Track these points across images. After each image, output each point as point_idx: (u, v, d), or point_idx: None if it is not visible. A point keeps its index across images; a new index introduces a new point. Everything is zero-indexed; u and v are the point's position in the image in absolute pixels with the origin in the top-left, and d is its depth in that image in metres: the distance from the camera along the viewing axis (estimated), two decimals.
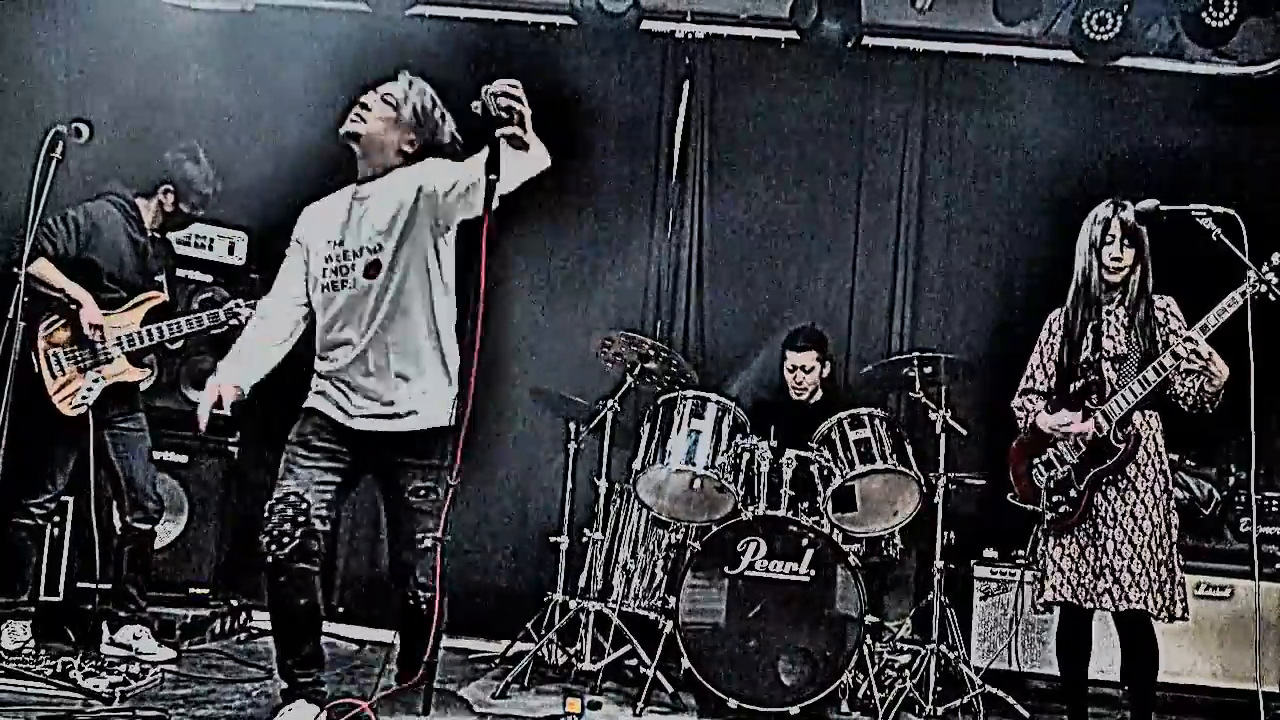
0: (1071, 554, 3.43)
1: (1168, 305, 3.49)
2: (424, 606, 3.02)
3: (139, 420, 4.25)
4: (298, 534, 2.93)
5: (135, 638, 4.13)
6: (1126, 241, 3.44)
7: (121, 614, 4.18)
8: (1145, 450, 3.40)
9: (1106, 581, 3.33)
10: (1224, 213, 3.15)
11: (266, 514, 2.96)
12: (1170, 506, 3.41)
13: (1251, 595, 4.12)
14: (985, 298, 5.62)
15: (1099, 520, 3.40)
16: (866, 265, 5.69)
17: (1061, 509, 3.47)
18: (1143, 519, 3.35)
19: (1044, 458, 3.54)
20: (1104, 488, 3.41)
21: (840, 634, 3.93)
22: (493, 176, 2.65)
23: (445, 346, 3.14)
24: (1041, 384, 3.61)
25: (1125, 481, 3.39)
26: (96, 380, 4.00)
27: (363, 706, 2.87)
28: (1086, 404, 3.45)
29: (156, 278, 4.24)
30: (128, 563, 4.20)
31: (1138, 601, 3.29)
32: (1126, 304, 3.47)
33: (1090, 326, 3.49)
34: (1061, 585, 3.42)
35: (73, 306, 3.92)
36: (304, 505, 2.96)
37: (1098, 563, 3.37)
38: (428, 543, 2.99)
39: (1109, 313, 3.50)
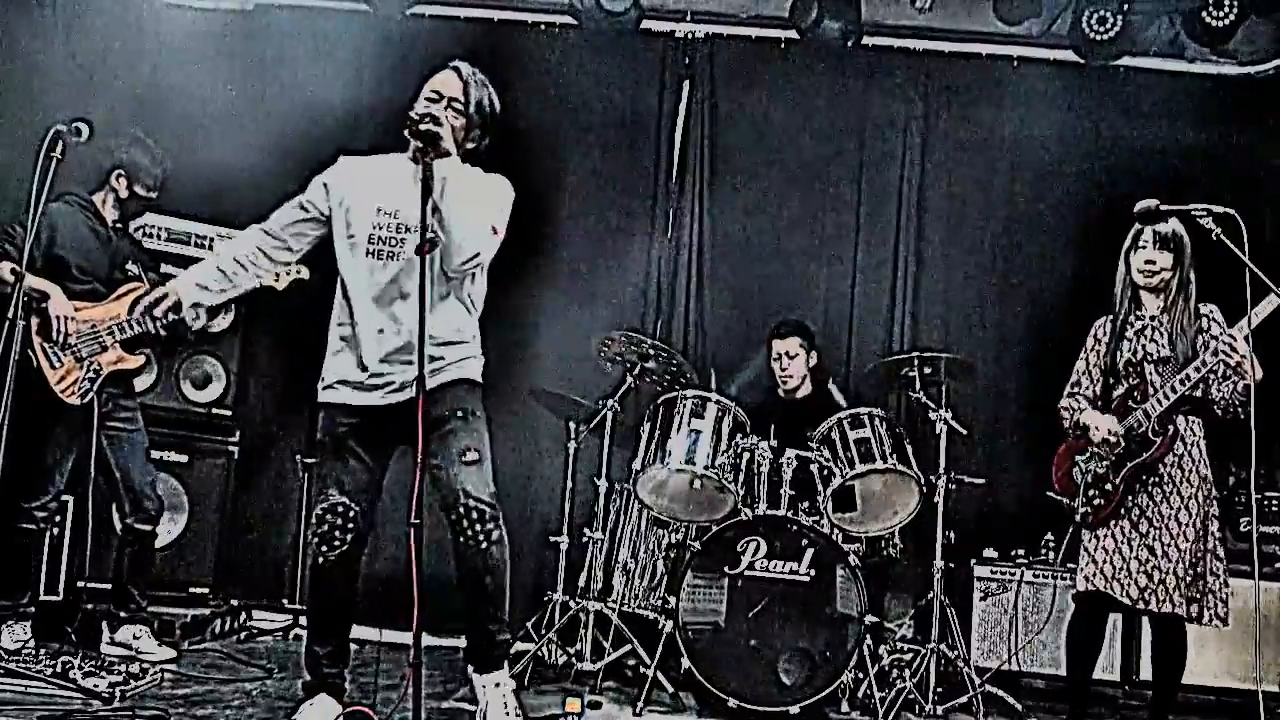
0: (1107, 547, 3.45)
1: (1211, 312, 3.52)
2: (482, 541, 2.98)
3: (135, 419, 4.25)
4: (347, 538, 3.09)
5: (135, 637, 4.14)
6: (1159, 247, 3.48)
7: (122, 614, 4.18)
8: (1190, 455, 3.44)
9: (1153, 582, 3.36)
10: (1224, 213, 3.15)
11: (316, 520, 3.10)
12: (1213, 513, 3.44)
13: (1251, 595, 4.11)
14: (985, 298, 5.62)
15: (1145, 519, 3.43)
16: (866, 265, 5.68)
17: (1095, 502, 3.50)
18: (1186, 525, 3.39)
19: (1086, 454, 3.58)
20: (1149, 488, 3.44)
21: (840, 634, 3.93)
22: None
23: (475, 322, 3.24)
24: (1088, 389, 3.66)
25: (1170, 485, 3.43)
26: (96, 370, 4.01)
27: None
28: (1129, 403, 3.49)
29: (128, 268, 4.21)
30: (129, 563, 4.21)
31: (1179, 607, 3.34)
32: (1169, 310, 3.50)
33: (1134, 330, 3.53)
34: (1095, 576, 3.45)
35: (42, 304, 3.91)
36: (352, 514, 3.10)
37: (1144, 563, 3.38)
38: (470, 456, 3.03)
39: (1153, 318, 3.54)
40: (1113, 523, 3.46)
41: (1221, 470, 4.95)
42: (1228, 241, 3.13)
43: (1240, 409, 3.39)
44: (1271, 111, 5.45)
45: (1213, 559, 3.41)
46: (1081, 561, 3.52)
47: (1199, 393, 3.43)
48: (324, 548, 3.08)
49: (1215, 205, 3.17)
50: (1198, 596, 3.37)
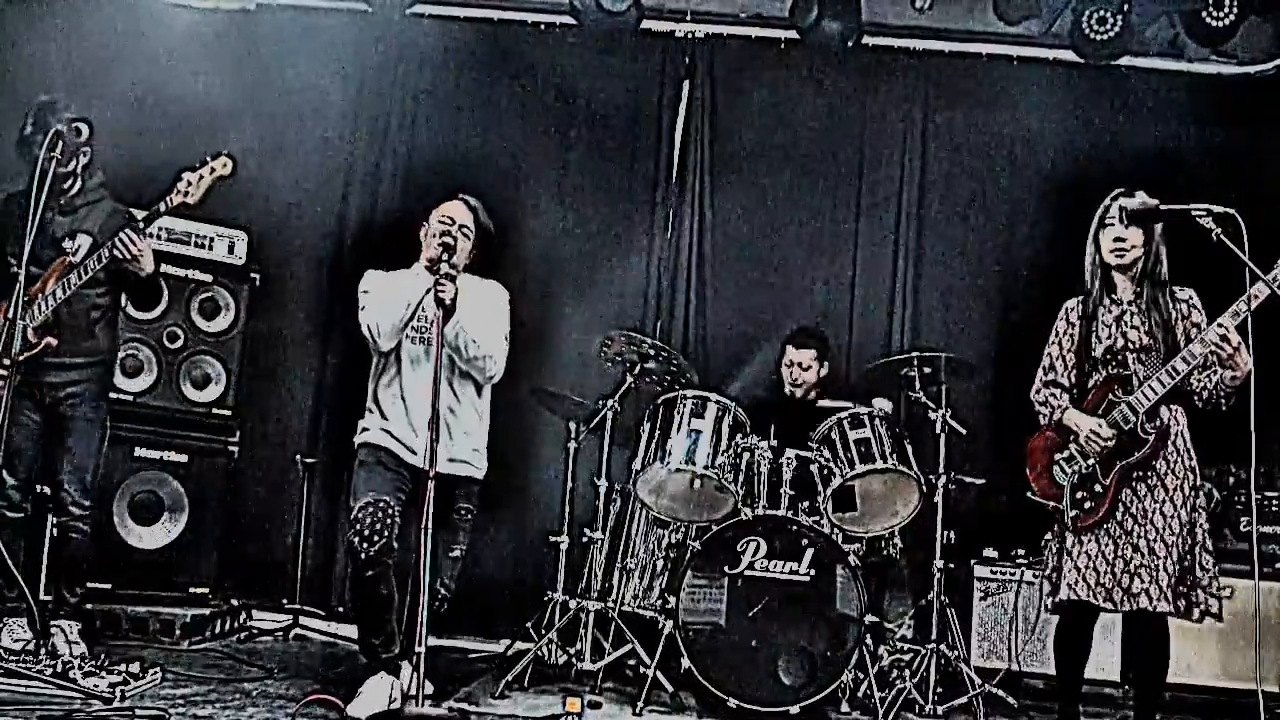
0: (1090, 552, 3.32)
1: (1189, 297, 3.43)
2: (439, 608, 3.55)
3: (80, 408, 3.90)
4: (385, 533, 3.40)
5: (56, 631, 3.87)
6: (1128, 224, 3.38)
7: (59, 609, 3.93)
8: (1174, 446, 3.33)
9: (1143, 581, 3.23)
10: (1224, 212, 3.14)
11: (354, 519, 3.44)
12: (1198, 504, 3.33)
13: (1251, 595, 4.11)
14: (985, 297, 5.62)
15: (1128, 518, 3.31)
16: (866, 265, 5.69)
17: (1087, 505, 3.36)
18: (1171, 517, 3.27)
19: (1066, 453, 3.44)
20: (1133, 484, 3.32)
21: (840, 634, 3.93)
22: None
23: (485, 407, 3.81)
24: (1063, 375, 3.52)
25: (1155, 478, 3.31)
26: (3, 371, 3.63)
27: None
28: (1110, 395, 3.39)
29: (65, 244, 3.87)
30: (48, 555, 4.02)
31: (1164, 603, 3.20)
32: (1144, 293, 3.41)
33: (1113, 317, 3.43)
34: (1077, 584, 3.32)
35: None
36: (388, 509, 3.43)
37: (1129, 562, 3.26)
38: (456, 553, 3.67)
39: (1130, 304, 3.44)
40: (1101, 525, 3.33)
41: (1221, 470, 4.95)
42: (1228, 241, 3.12)
43: (1223, 401, 3.30)
44: (1271, 111, 5.45)
45: (1202, 552, 3.29)
46: (1065, 568, 3.37)
47: (1184, 381, 3.32)
48: (364, 544, 3.37)
49: (1215, 205, 3.16)
50: (1185, 592, 3.26)
